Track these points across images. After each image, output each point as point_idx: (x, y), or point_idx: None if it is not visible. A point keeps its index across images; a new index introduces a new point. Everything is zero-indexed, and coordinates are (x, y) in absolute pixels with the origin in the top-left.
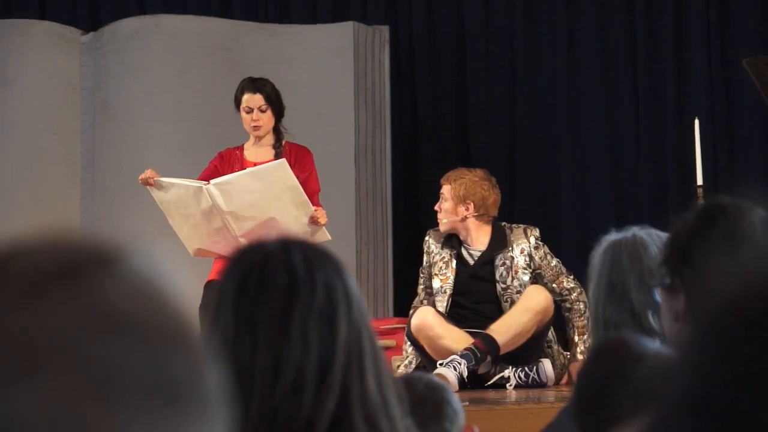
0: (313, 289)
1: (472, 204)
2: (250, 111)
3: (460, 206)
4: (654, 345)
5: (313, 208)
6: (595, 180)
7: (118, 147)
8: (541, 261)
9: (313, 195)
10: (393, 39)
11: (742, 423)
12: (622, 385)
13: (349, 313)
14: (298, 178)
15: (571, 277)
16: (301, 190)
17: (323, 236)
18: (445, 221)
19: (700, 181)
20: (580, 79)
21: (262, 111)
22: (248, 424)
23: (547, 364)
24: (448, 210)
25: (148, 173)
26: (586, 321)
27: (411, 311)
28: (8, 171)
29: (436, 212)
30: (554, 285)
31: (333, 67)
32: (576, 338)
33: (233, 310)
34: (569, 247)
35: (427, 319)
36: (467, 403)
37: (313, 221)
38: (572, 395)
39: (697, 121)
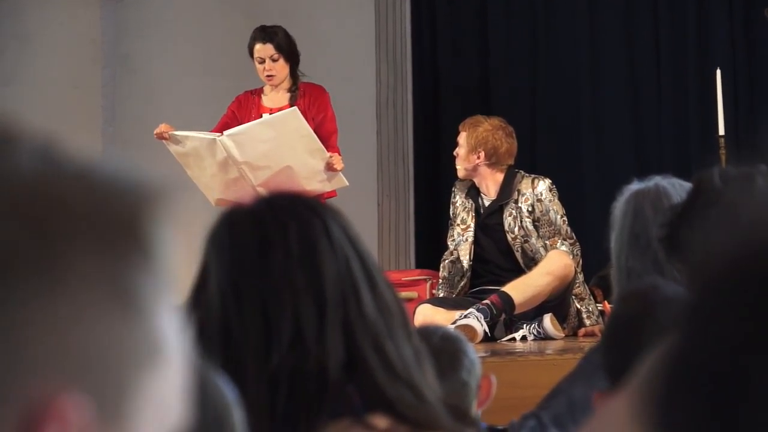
0: (285, 234)
1: (483, 152)
2: (262, 61)
3: (472, 154)
4: (682, 290)
5: (329, 154)
6: (616, 130)
7: (139, 100)
8: (542, 215)
9: (330, 135)
10: None
11: (738, 389)
12: (650, 326)
13: (331, 246)
14: (314, 118)
15: (569, 242)
16: (315, 137)
17: (340, 182)
18: (459, 167)
19: (721, 131)
20: (602, 29)
21: (274, 60)
22: (247, 393)
23: (546, 320)
24: (462, 157)
25: (162, 128)
26: (582, 287)
27: (441, 264)
28: (29, 125)
29: (455, 158)
30: (547, 242)
31: (353, 20)
32: (578, 305)
33: (216, 283)
34: (591, 197)
35: (426, 315)
36: (489, 353)
37: (330, 167)
38: (601, 337)
39: (719, 71)
